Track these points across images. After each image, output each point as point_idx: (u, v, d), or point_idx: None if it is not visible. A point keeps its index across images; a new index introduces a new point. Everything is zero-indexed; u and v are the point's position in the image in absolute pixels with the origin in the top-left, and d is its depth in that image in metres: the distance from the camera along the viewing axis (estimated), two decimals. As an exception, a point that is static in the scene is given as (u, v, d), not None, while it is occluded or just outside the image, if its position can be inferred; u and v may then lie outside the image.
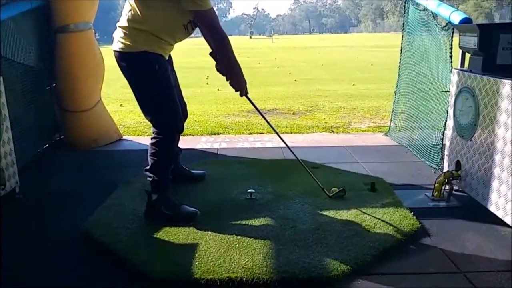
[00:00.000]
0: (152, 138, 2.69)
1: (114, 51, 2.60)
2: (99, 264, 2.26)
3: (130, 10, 2.55)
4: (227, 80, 2.72)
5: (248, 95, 2.83)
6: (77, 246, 2.44)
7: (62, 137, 4.44)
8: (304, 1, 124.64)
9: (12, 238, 2.51)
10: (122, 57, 2.58)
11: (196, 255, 2.22)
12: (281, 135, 3.21)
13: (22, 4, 3.75)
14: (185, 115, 2.98)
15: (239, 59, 2.68)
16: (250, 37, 54.68)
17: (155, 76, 2.57)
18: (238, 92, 2.77)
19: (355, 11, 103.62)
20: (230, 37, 2.63)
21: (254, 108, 2.99)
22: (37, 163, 3.85)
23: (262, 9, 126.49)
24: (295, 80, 10.59)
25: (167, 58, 2.71)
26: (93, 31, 4.32)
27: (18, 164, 3.16)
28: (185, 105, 2.99)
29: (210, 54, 2.70)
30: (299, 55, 21.02)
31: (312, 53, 22.81)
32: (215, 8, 2.61)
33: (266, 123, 3.14)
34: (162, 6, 2.49)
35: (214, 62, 2.72)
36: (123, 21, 2.58)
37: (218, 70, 2.71)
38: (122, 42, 2.56)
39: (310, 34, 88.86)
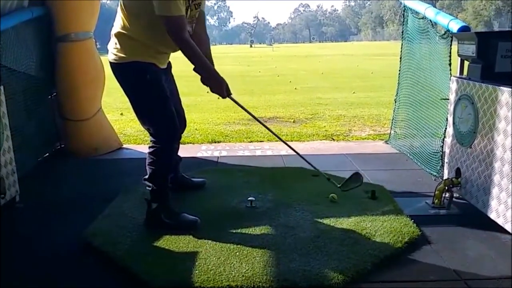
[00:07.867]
0: (149, 147, 2.69)
1: (109, 62, 2.63)
2: (99, 273, 2.25)
3: (120, 19, 2.57)
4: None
5: (232, 96, 2.68)
6: (77, 254, 2.43)
7: (62, 146, 4.46)
8: (304, 10, 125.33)
9: (12, 247, 2.51)
10: (116, 68, 2.61)
11: (196, 263, 2.22)
12: (280, 141, 3.17)
13: (23, 13, 3.78)
14: (184, 124, 2.99)
15: (240, 68, 2.69)
16: (251, 46, 54.81)
17: (147, 85, 2.58)
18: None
19: (354, 20, 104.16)
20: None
21: (244, 110, 2.82)
22: (38, 172, 3.85)
23: (263, 18, 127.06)
24: (295, 88, 10.61)
25: (163, 67, 2.71)
26: (94, 40, 4.36)
27: (19, 173, 3.16)
28: (183, 113, 3.00)
29: (194, 69, 2.62)
30: (299, 64, 21.07)
31: (312, 61, 22.87)
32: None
33: (266, 131, 3.11)
34: (148, 14, 2.47)
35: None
36: (114, 30, 2.61)
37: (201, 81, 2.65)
38: (114, 54, 2.59)
39: (310, 42, 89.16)
